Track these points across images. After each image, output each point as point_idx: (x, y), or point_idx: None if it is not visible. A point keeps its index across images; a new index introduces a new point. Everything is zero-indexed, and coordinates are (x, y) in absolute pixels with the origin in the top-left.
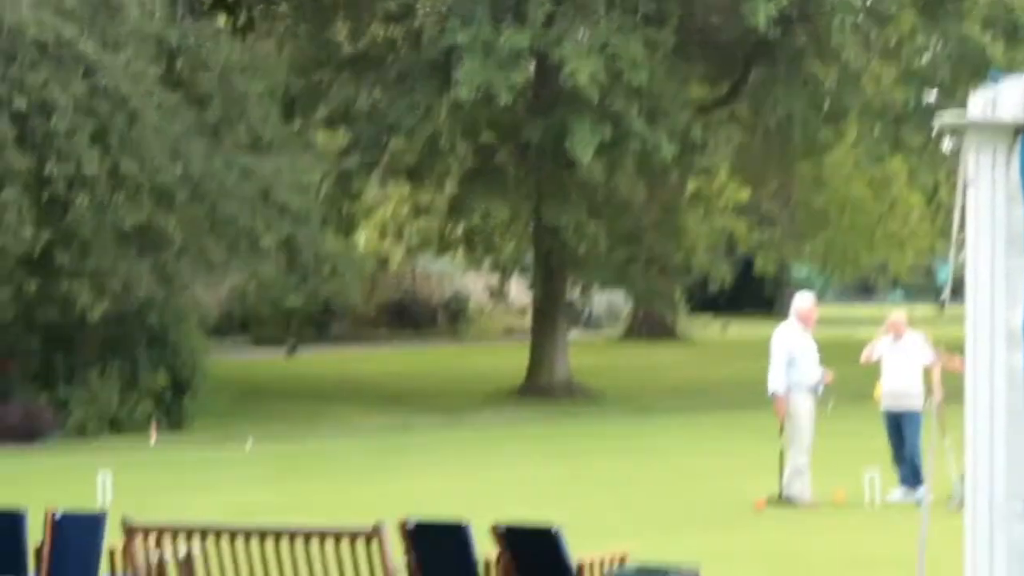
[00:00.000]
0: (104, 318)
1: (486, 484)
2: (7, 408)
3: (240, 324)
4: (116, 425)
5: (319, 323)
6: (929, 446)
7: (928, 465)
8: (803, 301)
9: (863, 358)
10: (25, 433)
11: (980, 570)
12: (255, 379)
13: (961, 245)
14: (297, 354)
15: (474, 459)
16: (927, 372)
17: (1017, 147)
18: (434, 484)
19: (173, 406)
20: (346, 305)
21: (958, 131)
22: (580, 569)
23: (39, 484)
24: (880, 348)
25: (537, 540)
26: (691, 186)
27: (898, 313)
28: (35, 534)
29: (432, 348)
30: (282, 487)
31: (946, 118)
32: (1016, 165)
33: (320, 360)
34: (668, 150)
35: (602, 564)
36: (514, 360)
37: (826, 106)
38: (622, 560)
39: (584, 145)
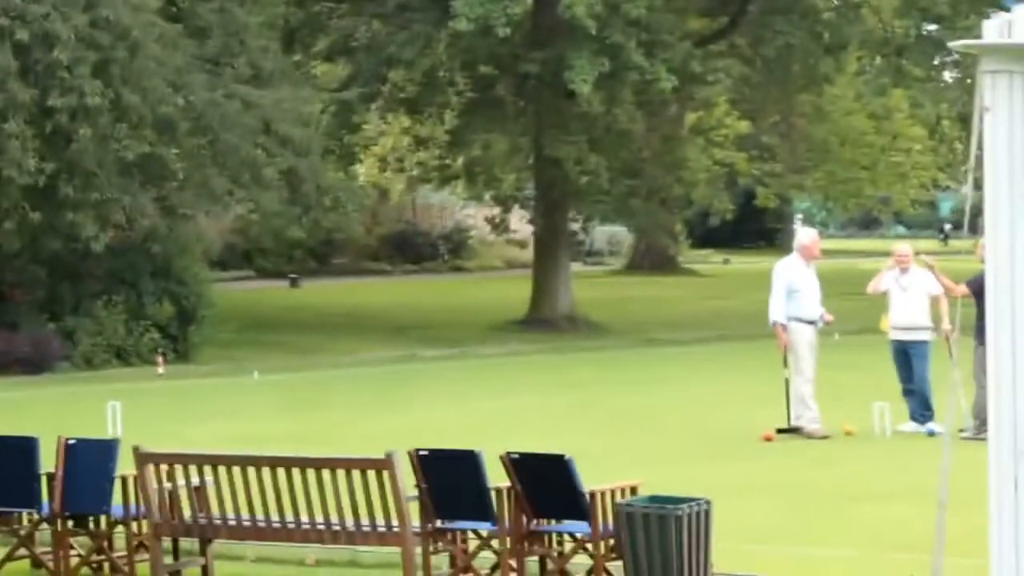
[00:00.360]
0: (109, 249)
1: (494, 414)
2: (15, 338)
3: (243, 256)
4: (123, 355)
5: (320, 255)
6: (947, 376)
7: (948, 396)
8: (805, 235)
9: (869, 288)
10: (33, 363)
11: (1004, 500)
12: (259, 310)
13: (977, 172)
14: (300, 286)
15: (481, 390)
16: (935, 303)
17: None
18: (442, 414)
19: (178, 336)
20: (347, 237)
21: (973, 57)
22: (591, 498)
23: (48, 413)
24: (887, 280)
25: (548, 468)
26: (691, 119)
27: (903, 245)
28: (46, 462)
29: (433, 280)
30: (290, 417)
31: (961, 44)
32: None
33: (323, 292)
34: (667, 82)
35: (613, 494)
36: (516, 292)
37: (826, 37)
38: (633, 491)
39: (583, 77)
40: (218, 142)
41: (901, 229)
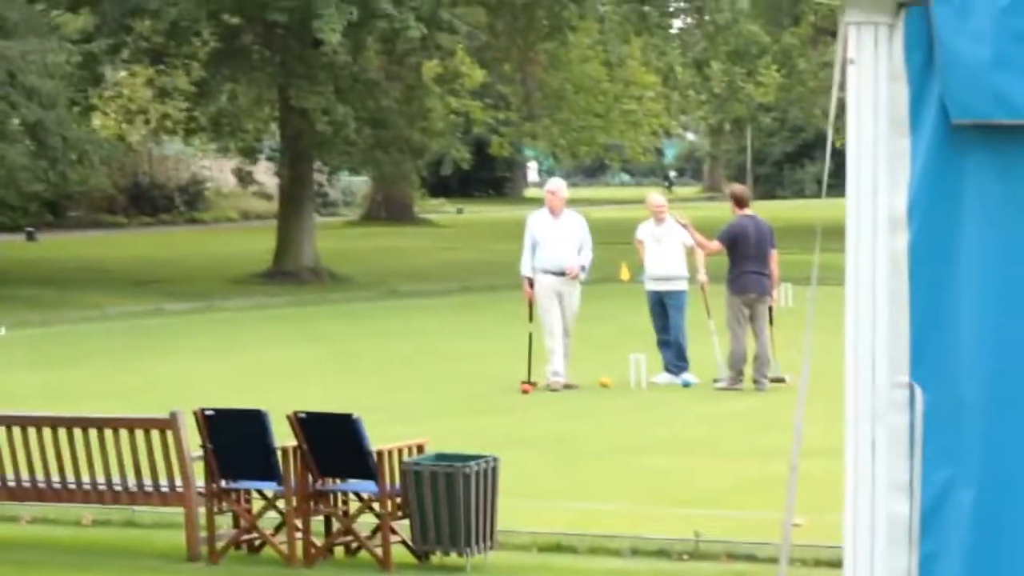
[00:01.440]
0: None
1: (248, 367)
2: None
3: None
4: None
5: (56, 208)
6: (703, 327)
7: (705, 346)
8: (547, 185)
9: (638, 244)
10: None
11: (862, 461)
12: None
13: (838, 128)
14: (37, 239)
15: (231, 343)
16: (690, 254)
17: (901, 23)
18: (195, 368)
19: None
20: (85, 189)
21: (836, 9)
22: (379, 457)
23: None
24: (642, 231)
25: (335, 427)
26: (431, 68)
27: (657, 196)
28: None
29: (170, 232)
30: (43, 373)
31: None
32: (899, 42)
33: (60, 245)
34: (415, 30)
35: (400, 452)
36: (255, 244)
37: None
38: (420, 449)
39: (331, 26)
40: None
41: (626, 177)
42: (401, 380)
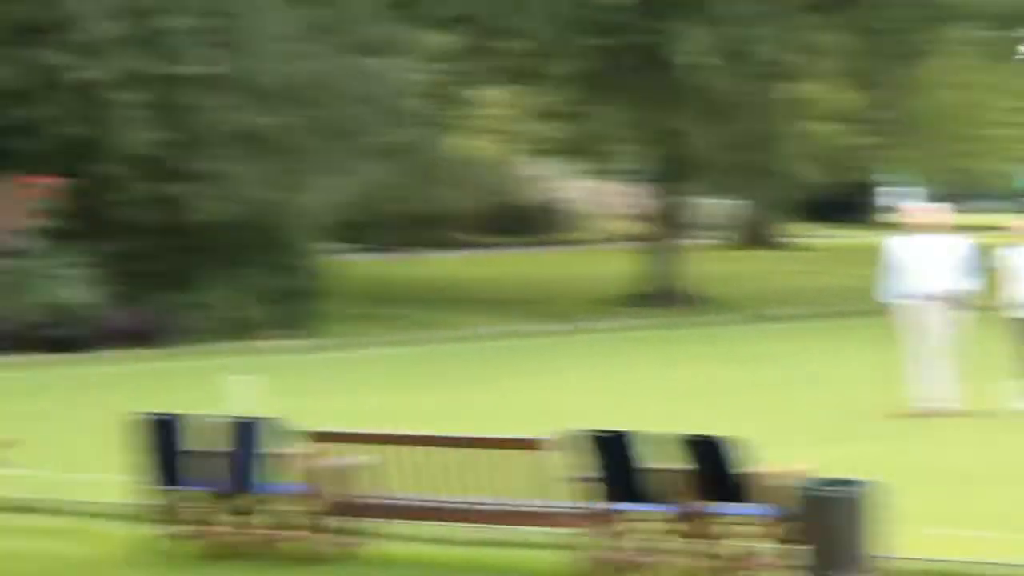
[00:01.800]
0: (221, 222)
1: (614, 389)
2: (123, 312)
3: (347, 228)
4: (234, 329)
5: (421, 227)
6: None
7: None
8: (907, 209)
9: (997, 272)
10: (141, 337)
11: None
12: (367, 283)
13: None
14: (406, 259)
15: (597, 364)
16: None
17: None
18: (564, 390)
19: (291, 310)
20: (447, 209)
21: None
22: (760, 480)
23: (160, 388)
24: (1005, 256)
25: (717, 450)
26: (797, 92)
27: (1021, 220)
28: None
29: (533, 253)
30: (412, 393)
31: None
32: None
33: (427, 265)
34: (784, 53)
35: (783, 477)
36: (620, 266)
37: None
38: (801, 473)
39: (700, 49)
40: (334, 113)
41: (993, 203)
42: (772, 405)
